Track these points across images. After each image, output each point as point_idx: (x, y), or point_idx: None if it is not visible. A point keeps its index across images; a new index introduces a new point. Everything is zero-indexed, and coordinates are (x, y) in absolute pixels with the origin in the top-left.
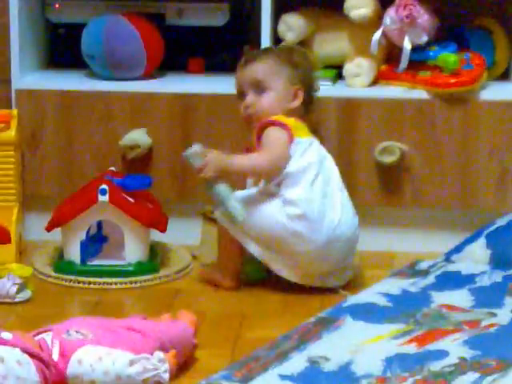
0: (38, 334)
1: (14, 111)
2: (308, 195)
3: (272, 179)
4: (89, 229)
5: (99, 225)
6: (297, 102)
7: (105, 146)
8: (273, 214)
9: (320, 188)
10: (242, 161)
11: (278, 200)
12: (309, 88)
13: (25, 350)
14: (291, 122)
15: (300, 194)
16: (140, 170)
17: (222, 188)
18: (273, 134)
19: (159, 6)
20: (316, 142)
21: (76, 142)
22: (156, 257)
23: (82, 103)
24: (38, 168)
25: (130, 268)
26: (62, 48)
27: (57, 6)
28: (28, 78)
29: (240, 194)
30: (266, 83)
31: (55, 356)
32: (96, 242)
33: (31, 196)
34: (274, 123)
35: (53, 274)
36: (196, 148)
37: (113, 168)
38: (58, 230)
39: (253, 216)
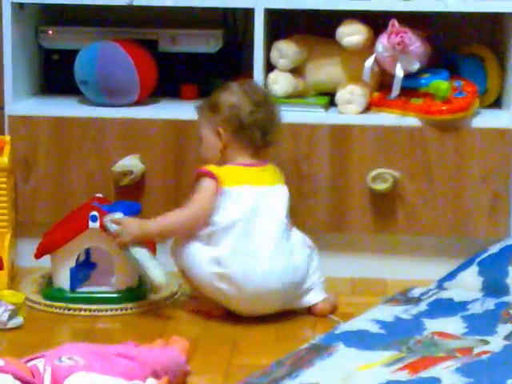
0: (30, 360)
1: (7, 137)
2: (231, 254)
3: (198, 230)
4: (78, 256)
5: (87, 251)
6: (221, 143)
7: (98, 172)
8: (202, 268)
9: (246, 244)
10: (159, 223)
11: (208, 254)
12: (238, 126)
13: (17, 377)
14: (223, 170)
15: (224, 253)
16: (133, 197)
17: (140, 253)
18: (199, 186)
19: (152, 32)
20: (249, 190)
21: (69, 168)
22: (145, 283)
23: (75, 129)
24: (31, 194)
25: (120, 295)
26: (55, 74)
27: (50, 32)
28: (21, 104)
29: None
30: (199, 134)
31: (47, 382)
32: (85, 268)
33: (24, 222)
34: (202, 173)
35: (43, 301)
36: (114, 215)
37: (100, 194)
38: (48, 257)
39: (184, 262)
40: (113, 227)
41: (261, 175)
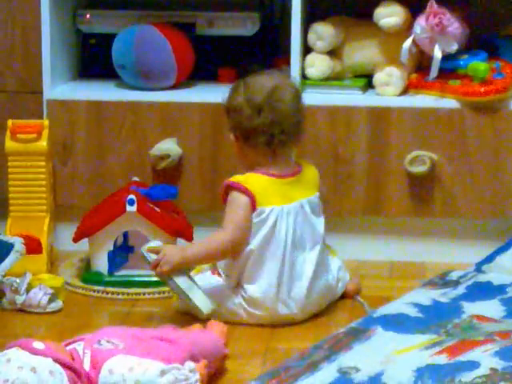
0: (70, 343)
1: (46, 122)
2: (272, 290)
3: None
4: (115, 239)
5: (125, 235)
6: (236, 149)
7: (135, 156)
8: (235, 311)
9: (287, 272)
10: (198, 250)
11: (240, 296)
12: (244, 131)
13: (57, 360)
14: (258, 184)
15: (263, 291)
16: (170, 180)
17: (182, 281)
18: (232, 205)
19: (190, 15)
20: (285, 209)
21: (107, 152)
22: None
23: (113, 113)
24: (69, 178)
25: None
26: (92, 58)
27: (88, 16)
28: (59, 88)
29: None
30: None
31: (86, 366)
32: (122, 252)
33: (62, 206)
34: (235, 187)
35: (81, 284)
36: (153, 243)
37: (136, 178)
38: (86, 241)
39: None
40: (150, 257)
41: (293, 189)
